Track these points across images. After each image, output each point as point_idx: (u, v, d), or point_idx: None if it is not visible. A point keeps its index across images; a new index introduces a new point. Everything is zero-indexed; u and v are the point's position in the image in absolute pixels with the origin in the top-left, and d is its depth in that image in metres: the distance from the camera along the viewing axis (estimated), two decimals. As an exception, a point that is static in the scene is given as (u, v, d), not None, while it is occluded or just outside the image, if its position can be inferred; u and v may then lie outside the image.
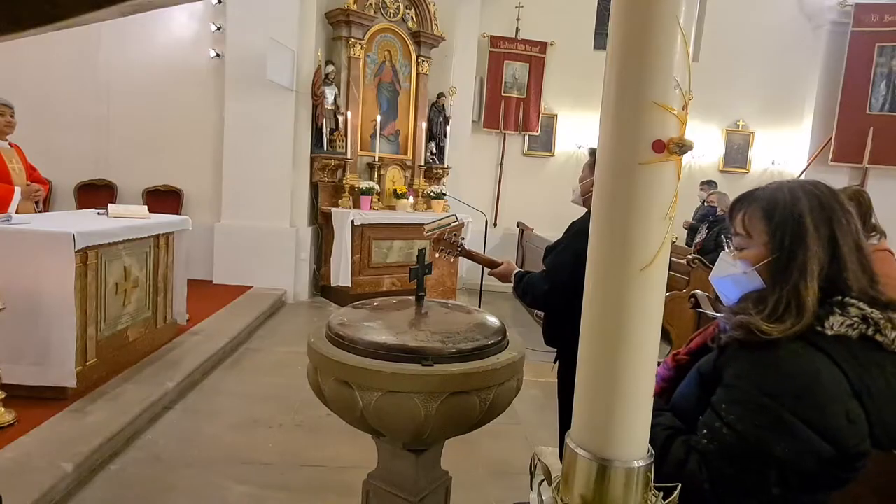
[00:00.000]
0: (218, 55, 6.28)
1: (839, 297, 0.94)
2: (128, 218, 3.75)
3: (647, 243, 0.59)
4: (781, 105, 8.79)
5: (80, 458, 2.54)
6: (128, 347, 3.65)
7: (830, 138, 8.33)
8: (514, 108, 8.53)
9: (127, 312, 3.63)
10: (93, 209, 4.19)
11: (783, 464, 0.88)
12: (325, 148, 6.36)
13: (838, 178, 7.57)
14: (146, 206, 4.21)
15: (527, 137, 8.68)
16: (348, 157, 6.44)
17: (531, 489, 0.67)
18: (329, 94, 6.23)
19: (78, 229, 3.00)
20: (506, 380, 1.44)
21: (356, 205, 6.41)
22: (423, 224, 4.46)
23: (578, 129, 8.72)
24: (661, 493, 0.63)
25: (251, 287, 6.06)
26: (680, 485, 0.64)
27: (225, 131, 6.13)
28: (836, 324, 0.92)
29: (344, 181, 6.47)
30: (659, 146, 0.57)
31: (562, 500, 0.62)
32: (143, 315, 3.84)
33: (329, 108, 6.28)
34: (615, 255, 0.60)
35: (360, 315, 1.63)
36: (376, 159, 6.66)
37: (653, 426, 1.01)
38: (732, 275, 1.05)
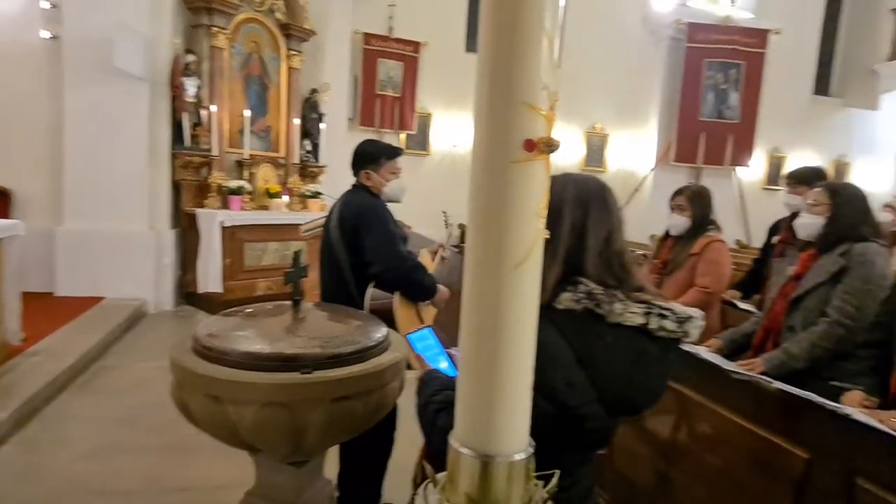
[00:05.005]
0: (53, 37, 5.52)
1: (575, 277, 1.05)
2: (-62, 224, 3.17)
3: (520, 240, 0.60)
4: (631, 110, 9.70)
5: None
6: (-57, 376, 3.09)
7: (671, 141, 9.36)
8: (389, 106, 8.53)
9: (-60, 335, 3.08)
10: None
11: None
12: (188, 144, 5.88)
13: (679, 177, 8.52)
14: (-37, 210, 3.59)
15: (403, 136, 8.72)
16: (214, 153, 6.01)
17: (416, 493, 0.66)
18: (190, 85, 5.76)
19: None
20: (389, 381, 1.42)
21: (225, 205, 6.01)
22: (299, 224, 4.34)
23: (453, 128, 8.94)
24: (542, 482, 0.65)
25: (103, 298, 5.42)
26: (559, 472, 0.66)
27: (66, 124, 5.41)
28: (564, 299, 1.02)
29: (210, 180, 6.03)
30: (529, 145, 0.58)
31: (448, 501, 0.62)
32: (-38, 337, 3.28)
33: (190, 100, 5.81)
34: (490, 253, 0.61)
35: (230, 323, 1.52)
36: (246, 156, 6.29)
37: (427, 403, 1.08)
38: None
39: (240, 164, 6.34)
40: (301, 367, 1.28)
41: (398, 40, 8.49)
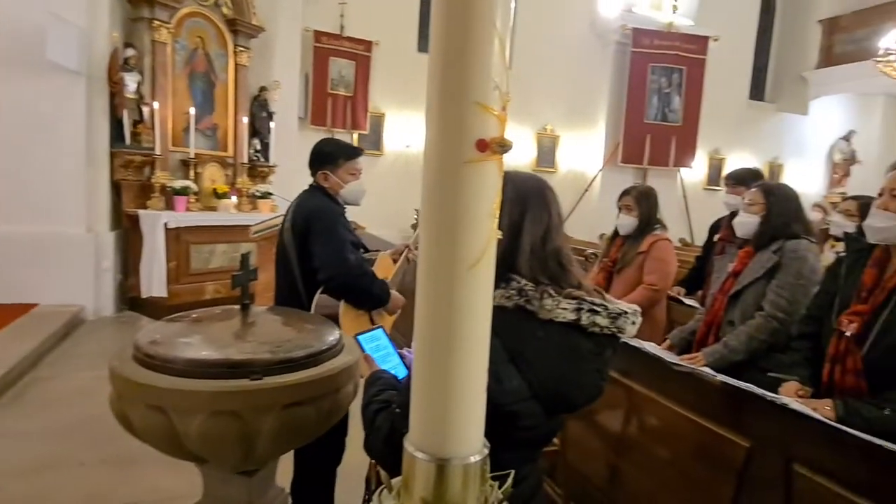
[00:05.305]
0: (-24, 27, 5.17)
1: (508, 275, 1.03)
2: None
3: (474, 242, 0.60)
4: (580, 112, 9.93)
5: None
6: None
7: (619, 143, 9.63)
8: (341, 105, 8.42)
9: None
10: None
11: None
12: (128, 142, 5.62)
13: (626, 178, 8.79)
14: None
15: (356, 136, 8.62)
16: (157, 152, 5.77)
17: (370, 499, 0.65)
18: (130, 81, 5.52)
19: None
20: (342, 385, 1.39)
21: (169, 205, 5.78)
22: (249, 225, 4.21)
23: (406, 128, 8.91)
24: (497, 483, 0.65)
25: (37, 305, 5.11)
26: (513, 471, 0.67)
27: (-9, 119, 5.07)
28: (496, 296, 1.00)
29: (153, 179, 5.78)
30: (482, 145, 0.58)
31: (402, 506, 0.61)
32: None
33: (131, 97, 5.56)
34: (444, 254, 0.60)
35: (175, 329, 1.46)
36: (191, 156, 6.07)
37: (369, 403, 1.07)
38: None
39: (185, 164, 6.11)
40: (250, 374, 1.24)
41: (350, 39, 8.39)
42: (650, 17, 9.45)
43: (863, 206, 3.23)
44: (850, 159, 11.62)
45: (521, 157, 9.68)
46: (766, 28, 11.44)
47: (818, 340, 1.95)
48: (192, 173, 6.10)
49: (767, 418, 1.59)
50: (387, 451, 0.97)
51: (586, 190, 9.89)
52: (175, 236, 5.62)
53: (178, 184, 5.84)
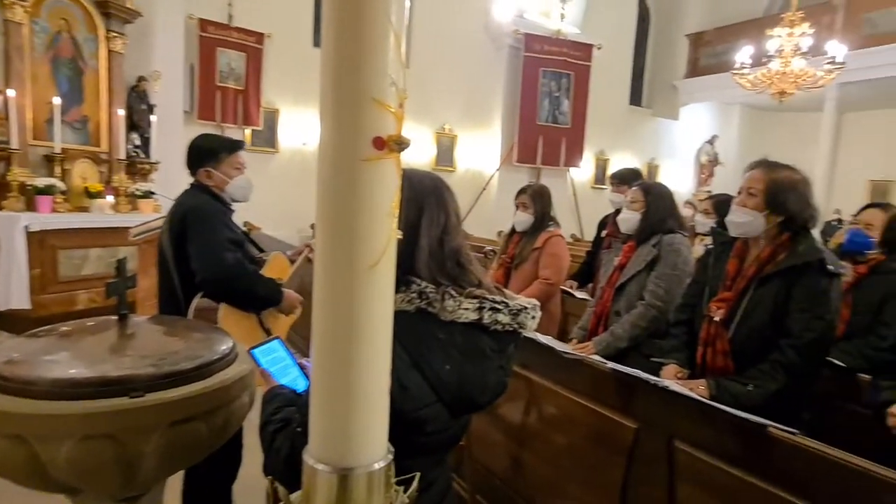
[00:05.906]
0: None
1: (407, 278, 1.01)
2: None
3: (374, 241, 0.58)
4: (477, 112, 10.17)
5: None
6: None
7: (514, 143, 9.99)
8: (232, 99, 7.97)
9: None
10: None
11: None
12: (-24, 134, 4.93)
13: (521, 177, 9.13)
14: None
15: (249, 132, 8.20)
16: (14, 146, 5.10)
17: (268, 518, 0.61)
18: (-23, 65, 4.84)
19: None
20: (236, 397, 1.31)
21: (31, 206, 5.15)
22: (128, 227, 3.87)
23: (302, 125, 8.62)
24: (403, 487, 0.64)
25: None
26: (419, 474, 0.66)
27: None
28: (397, 300, 0.99)
29: (9, 177, 5.12)
30: (379, 143, 0.56)
31: (303, 522, 0.58)
32: None
33: (-22, 83, 4.89)
34: (342, 254, 0.58)
35: (38, 345, 1.30)
36: (57, 150, 5.44)
37: (267, 423, 1.01)
38: None
39: (49, 160, 5.46)
40: (130, 391, 1.13)
41: (239, 30, 7.95)
42: (540, 24, 9.88)
43: (717, 203, 3.60)
44: (714, 161, 12.98)
45: (420, 156, 9.74)
46: (642, 39, 12.41)
47: (692, 326, 2.14)
48: (58, 170, 5.47)
49: (651, 400, 1.72)
50: (288, 473, 0.92)
51: (484, 188, 10.15)
52: (39, 240, 5.02)
53: (42, 182, 5.21)
